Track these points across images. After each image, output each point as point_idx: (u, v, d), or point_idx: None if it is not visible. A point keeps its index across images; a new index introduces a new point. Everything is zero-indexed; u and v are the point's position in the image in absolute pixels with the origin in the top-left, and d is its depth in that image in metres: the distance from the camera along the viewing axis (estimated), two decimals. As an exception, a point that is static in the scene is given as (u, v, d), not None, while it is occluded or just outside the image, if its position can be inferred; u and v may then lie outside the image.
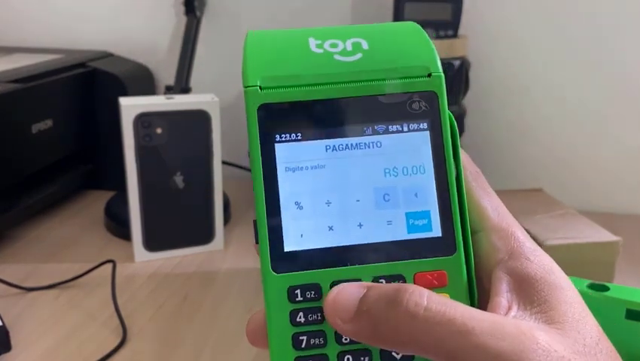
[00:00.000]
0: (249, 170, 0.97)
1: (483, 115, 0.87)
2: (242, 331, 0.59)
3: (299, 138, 0.26)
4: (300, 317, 0.25)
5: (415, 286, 0.23)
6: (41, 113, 0.75)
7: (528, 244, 0.26)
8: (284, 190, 0.25)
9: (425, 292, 0.23)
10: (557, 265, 0.26)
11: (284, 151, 0.26)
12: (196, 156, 0.68)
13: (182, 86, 0.83)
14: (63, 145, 0.82)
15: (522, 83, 0.86)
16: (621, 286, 0.44)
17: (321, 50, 0.27)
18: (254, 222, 0.25)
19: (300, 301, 0.25)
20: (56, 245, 0.72)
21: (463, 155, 0.27)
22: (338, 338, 0.25)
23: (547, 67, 0.85)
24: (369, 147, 0.26)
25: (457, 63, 0.74)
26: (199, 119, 0.67)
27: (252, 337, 0.26)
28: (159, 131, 0.65)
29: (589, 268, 0.59)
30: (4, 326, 0.51)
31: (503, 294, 0.24)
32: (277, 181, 0.25)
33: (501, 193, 0.29)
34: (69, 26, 0.96)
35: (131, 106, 0.64)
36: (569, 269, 0.59)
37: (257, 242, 0.25)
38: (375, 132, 0.26)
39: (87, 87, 0.83)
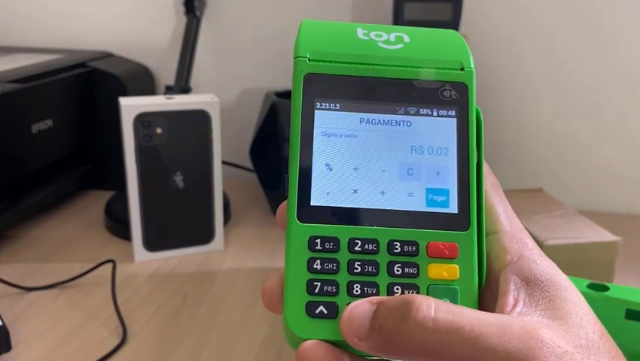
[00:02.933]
0: (249, 170, 0.96)
1: (483, 115, 0.87)
2: (242, 331, 0.59)
3: (337, 107, 0.28)
4: (317, 265, 0.26)
5: (422, 297, 0.24)
6: (41, 113, 0.75)
7: (536, 251, 0.28)
8: (318, 152, 0.28)
9: (433, 302, 0.24)
10: (561, 271, 0.27)
11: (323, 118, 0.28)
12: (196, 156, 0.68)
13: (182, 86, 0.83)
14: (63, 145, 0.82)
15: (521, 83, 0.86)
16: (621, 286, 0.44)
17: (367, 38, 0.30)
18: (286, 177, 0.28)
19: (318, 251, 0.26)
20: (56, 245, 0.72)
21: (485, 165, 0.29)
22: (350, 290, 0.26)
23: (546, 67, 0.85)
24: (399, 124, 0.28)
25: (457, 63, 0.74)
26: (199, 119, 0.67)
27: (267, 298, 0.27)
28: (159, 131, 0.65)
29: (589, 268, 0.59)
30: (4, 326, 0.51)
31: (510, 293, 0.26)
32: (312, 143, 0.28)
33: (500, 193, 0.29)
34: (69, 26, 0.96)
35: (131, 106, 0.64)
36: (569, 269, 0.58)
37: (286, 195, 0.27)
38: (407, 113, 0.29)
39: (87, 87, 0.83)
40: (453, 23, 0.75)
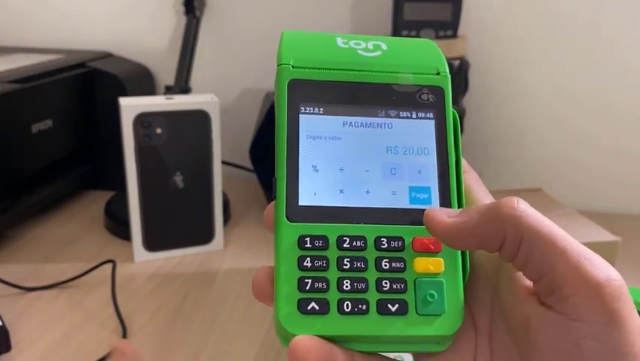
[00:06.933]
0: (249, 170, 0.96)
1: (483, 115, 0.87)
2: (242, 331, 0.59)
3: (321, 112, 0.30)
4: (307, 262, 0.27)
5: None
6: (41, 113, 0.75)
7: None
8: (304, 154, 0.29)
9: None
10: None
11: (307, 122, 0.29)
12: (196, 156, 0.68)
13: (182, 86, 0.83)
14: (63, 145, 0.82)
15: (521, 83, 0.86)
16: (621, 286, 0.44)
17: (346, 46, 0.31)
18: (274, 179, 0.29)
19: (308, 249, 0.27)
20: (56, 245, 0.72)
21: (465, 162, 0.30)
22: (340, 285, 0.27)
23: (546, 67, 0.85)
24: (381, 127, 0.30)
25: (456, 63, 0.74)
26: (199, 119, 0.67)
27: (257, 289, 0.28)
28: (159, 131, 0.65)
29: (589, 268, 0.59)
30: (4, 326, 0.51)
31: None
32: (298, 146, 0.29)
33: (500, 193, 0.30)
34: (69, 26, 0.96)
35: (131, 106, 0.64)
36: (569, 269, 0.58)
37: (274, 197, 0.28)
38: (387, 115, 0.30)
39: (87, 87, 0.83)
40: (453, 23, 0.75)
